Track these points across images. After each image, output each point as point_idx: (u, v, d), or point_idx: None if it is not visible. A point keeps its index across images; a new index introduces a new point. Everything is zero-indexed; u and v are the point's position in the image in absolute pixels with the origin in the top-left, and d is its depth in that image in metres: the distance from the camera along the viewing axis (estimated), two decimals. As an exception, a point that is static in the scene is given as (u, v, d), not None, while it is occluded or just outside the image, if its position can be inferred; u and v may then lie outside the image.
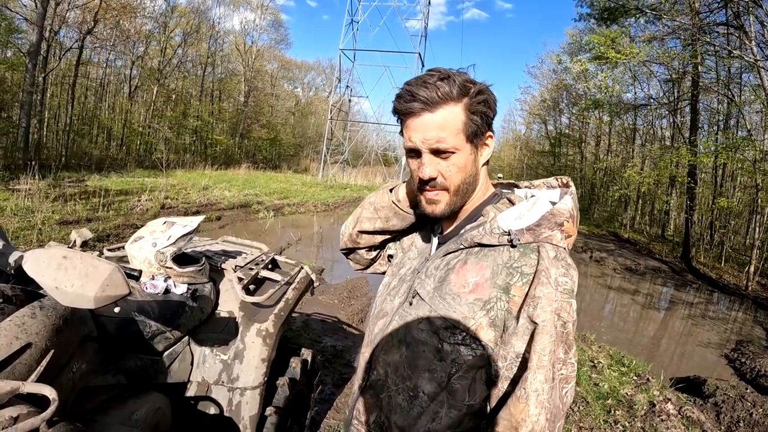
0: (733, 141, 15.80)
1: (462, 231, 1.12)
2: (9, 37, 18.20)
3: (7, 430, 0.93)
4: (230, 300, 2.35)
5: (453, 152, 1.03)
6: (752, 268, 12.49)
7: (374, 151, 37.00)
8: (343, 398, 3.73)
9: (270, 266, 2.88)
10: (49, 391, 1.00)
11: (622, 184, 23.78)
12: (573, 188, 1.11)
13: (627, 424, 3.98)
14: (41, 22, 16.89)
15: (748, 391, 4.95)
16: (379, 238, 1.37)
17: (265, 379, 2.22)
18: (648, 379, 4.92)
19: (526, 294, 0.95)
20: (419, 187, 1.10)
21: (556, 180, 1.17)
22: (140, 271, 1.69)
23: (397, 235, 1.38)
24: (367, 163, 36.45)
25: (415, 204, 1.23)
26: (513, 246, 0.99)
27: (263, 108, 40.28)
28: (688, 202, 16.81)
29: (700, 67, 16.81)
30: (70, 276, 1.19)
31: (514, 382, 0.94)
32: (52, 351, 1.25)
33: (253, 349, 2.19)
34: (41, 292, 1.33)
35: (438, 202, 1.09)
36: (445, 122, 1.01)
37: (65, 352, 1.37)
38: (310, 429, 2.97)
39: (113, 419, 1.62)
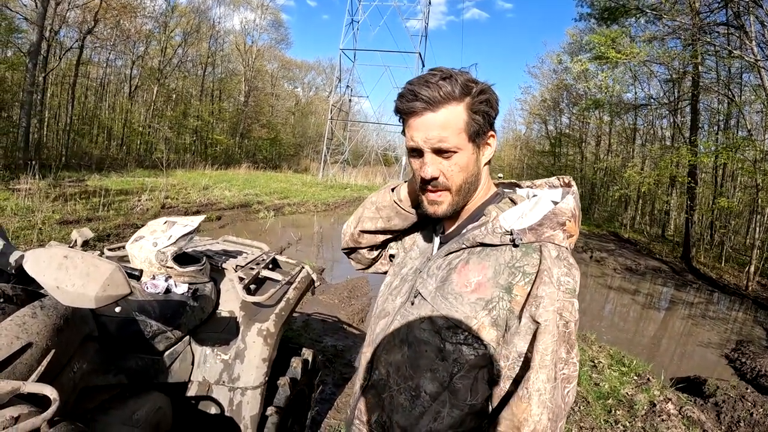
0: (733, 141, 15.79)
1: (464, 230, 1.12)
2: (9, 37, 18.20)
3: (8, 430, 0.93)
4: (231, 300, 2.34)
5: (455, 152, 1.03)
6: (752, 268, 12.49)
7: (374, 151, 36.99)
8: (343, 398, 3.73)
9: (271, 266, 2.88)
10: (50, 391, 1.00)
11: (622, 184, 23.81)
12: (575, 188, 1.11)
13: (627, 424, 3.98)
14: (41, 21, 16.90)
15: (749, 391, 4.95)
16: (381, 238, 1.37)
17: (266, 378, 2.21)
18: (648, 379, 4.92)
19: (529, 293, 0.95)
20: (421, 186, 1.10)
21: (558, 179, 1.17)
22: (141, 271, 1.69)
23: (398, 235, 1.38)
24: (368, 163, 36.43)
25: (416, 204, 1.23)
26: (515, 245, 0.99)
27: (263, 108, 40.27)
28: (689, 202, 16.81)
29: (700, 67, 16.81)
30: (71, 275, 1.19)
31: (516, 381, 0.93)
32: (52, 351, 1.24)
33: (254, 349, 2.18)
34: (42, 291, 1.33)
35: (441, 203, 1.09)
36: (447, 122, 1.01)
37: (66, 351, 1.36)
38: (310, 429, 2.97)
39: (114, 419, 1.62)
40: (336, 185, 26.04)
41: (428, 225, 1.31)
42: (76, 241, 1.84)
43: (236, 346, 2.19)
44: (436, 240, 1.22)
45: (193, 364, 2.11)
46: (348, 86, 34.27)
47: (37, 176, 11.73)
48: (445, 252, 1.11)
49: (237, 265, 2.57)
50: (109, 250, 2.44)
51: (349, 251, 1.46)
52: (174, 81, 31.07)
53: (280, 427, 2.33)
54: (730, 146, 15.10)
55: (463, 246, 1.06)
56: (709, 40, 15.33)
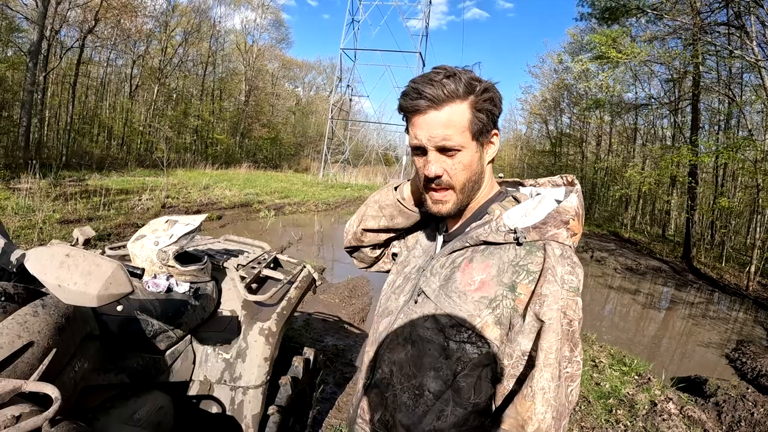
0: (734, 141, 15.75)
1: (467, 229, 1.12)
2: (10, 36, 18.23)
3: (9, 429, 0.92)
4: (232, 299, 2.34)
5: (459, 150, 1.03)
6: (753, 268, 12.46)
7: (375, 151, 36.98)
8: (345, 397, 3.72)
9: (272, 265, 2.87)
10: (51, 390, 0.99)
11: (623, 184, 23.77)
12: (578, 186, 1.10)
13: (628, 424, 3.98)
14: (42, 21, 16.91)
15: (750, 390, 4.95)
16: (384, 237, 1.36)
17: (268, 378, 2.21)
18: (649, 378, 4.91)
19: (533, 292, 0.94)
20: (425, 185, 1.09)
21: (561, 178, 1.17)
22: (143, 269, 1.68)
23: (401, 234, 1.37)
24: (368, 163, 36.42)
25: (420, 202, 1.23)
26: (519, 244, 0.99)
27: (264, 107, 40.29)
28: (689, 202, 16.79)
29: (701, 67, 16.78)
30: (72, 274, 1.18)
31: (520, 380, 0.94)
32: (54, 350, 1.24)
33: (255, 348, 2.18)
34: (43, 290, 1.32)
35: (445, 202, 1.09)
36: (450, 120, 1.01)
37: (67, 350, 1.36)
38: (312, 428, 2.97)
39: (115, 418, 1.61)
40: (336, 185, 26.05)
41: (431, 223, 1.30)
42: (77, 239, 1.83)
43: (238, 345, 2.19)
44: (440, 238, 1.22)
45: (194, 363, 2.11)
46: (348, 86, 34.28)
47: (37, 175, 11.73)
48: (448, 250, 1.10)
49: (238, 264, 2.56)
50: (111, 249, 2.44)
51: (352, 250, 1.45)
52: (174, 80, 31.11)
53: (282, 427, 2.33)
54: (730, 146, 15.06)
55: (467, 244, 1.06)
56: (709, 39, 15.31)
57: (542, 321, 0.92)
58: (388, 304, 1.23)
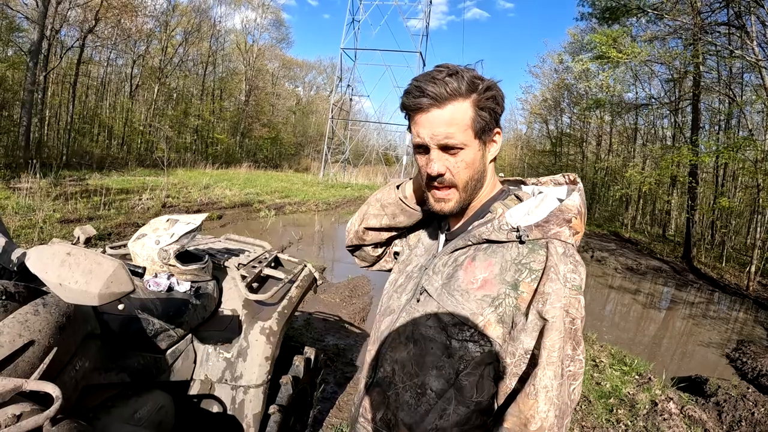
0: (734, 141, 15.74)
1: (470, 227, 1.11)
2: (10, 36, 18.23)
3: (10, 428, 0.92)
4: (233, 298, 2.34)
5: (461, 148, 1.03)
6: (753, 268, 12.45)
7: (375, 151, 36.98)
8: (345, 397, 3.72)
9: (273, 264, 2.87)
10: (52, 389, 0.99)
11: (623, 184, 23.75)
12: (580, 185, 1.10)
13: (629, 423, 3.97)
14: (42, 20, 16.90)
15: (750, 390, 4.94)
16: (386, 235, 1.36)
17: (269, 377, 2.21)
18: (650, 378, 4.91)
19: (535, 290, 0.94)
20: (427, 183, 1.09)
21: (564, 177, 1.17)
22: (144, 268, 1.68)
23: (403, 232, 1.37)
24: (368, 163, 36.42)
25: (422, 201, 1.22)
26: (521, 242, 0.99)
27: (264, 107, 40.28)
28: (690, 202, 16.78)
29: (701, 67, 16.78)
30: (74, 273, 1.18)
31: (523, 378, 0.93)
32: (54, 349, 1.24)
33: (256, 347, 2.18)
34: (44, 289, 1.32)
35: (448, 201, 1.09)
36: (453, 118, 1.00)
37: (68, 349, 1.36)
38: (312, 428, 2.97)
39: (116, 417, 1.61)
40: (337, 184, 26.04)
41: (433, 222, 1.30)
42: (78, 238, 1.83)
43: (239, 345, 2.18)
44: (442, 237, 1.22)
45: (195, 362, 2.11)
46: (349, 85, 34.30)
47: (38, 175, 11.74)
48: (450, 249, 1.10)
49: (239, 264, 2.56)
50: (111, 248, 2.44)
51: (354, 249, 1.45)
52: (175, 80, 31.12)
53: (283, 426, 2.33)
54: (731, 146, 15.05)
55: (469, 243, 1.06)
56: (710, 39, 15.30)
57: (545, 319, 0.91)
58: (390, 302, 1.22)
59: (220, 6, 35.19)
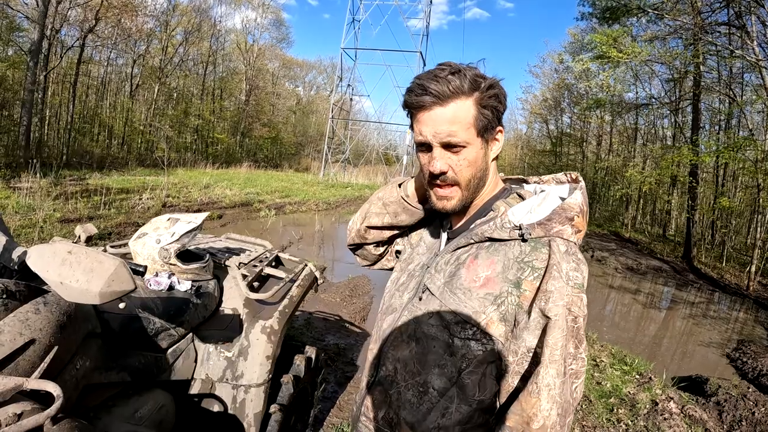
0: (734, 141, 15.73)
1: (472, 226, 1.11)
2: (10, 36, 18.22)
3: (11, 427, 0.92)
4: (234, 297, 2.34)
5: (464, 146, 1.02)
6: (753, 268, 12.46)
7: (375, 150, 36.99)
8: (346, 396, 3.72)
9: (274, 263, 2.87)
10: (53, 388, 0.99)
11: (623, 184, 23.76)
12: (582, 183, 1.10)
13: (630, 423, 3.97)
14: (42, 20, 16.89)
15: (750, 390, 4.94)
16: (387, 234, 1.36)
17: (270, 376, 2.21)
18: (650, 378, 4.91)
19: (538, 288, 0.94)
20: (429, 181, 1.09)
21: (566, 175, 1.16)
22: (145, 267, 1.68)
23: (405, 231, 1.37)
24: (369, 162, 36.44)
25: (424, 199, 1.22)
26: (524, 240, 0.99)
27: (264, 107, 40.27)
28: (690, 202, 16.78)
29: (701, 67, 16.78)
30: (75, 271, 1.18)
31: (525, 377, 0.93)
32: (55, 347, 1.23)
33: (257, 347, 2.18)
34: (45, 287, 1.32)
35: (450, 199, 1.08)
36: (456, 116, 1.00)
37: (69, 348, 1.35)
38: (313, 427, 2.96)
39: (117, 417, 1.61)
40: (337, 184, 26.04)
41: (435, 220, 1.30)
42: (79, 236, 1.83)
43: (240, 344, 2.18)
44: (444, 235, 1.21)
45: (196, 361, 2.10)
46: (349, 85, 34.30)
47: (38, 175, 11.74)
48: (453, 247, 1.10)
49: (240, 263, 2.56)
50: (112, 247, 2.43)
51: (355, 247, 1.45)
52: (175, 80, 31.12)
53: (284, 425, 2.32)
54: (731, 146, 15.04)
55: (472, 241, 1.06)
56: (710, 39, 15.30)
57: (548, 317, 0.91)
58: (392, 301, 1.22)
59: (220, 6, 35.23)
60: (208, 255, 2.34)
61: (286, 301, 2.41)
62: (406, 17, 31.68)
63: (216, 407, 2.13)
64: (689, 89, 19.09)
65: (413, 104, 1.03)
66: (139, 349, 1.79)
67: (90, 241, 1.82)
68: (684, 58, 17.28)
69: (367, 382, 1.19)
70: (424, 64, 29.15)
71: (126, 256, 2.27)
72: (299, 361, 2.60)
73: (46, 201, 9.40)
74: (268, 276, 2.68)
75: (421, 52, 29.24)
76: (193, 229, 2.16)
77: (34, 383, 1.00)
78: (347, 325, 5.38)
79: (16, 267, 1.44)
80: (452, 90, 0.99)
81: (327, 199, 18.47)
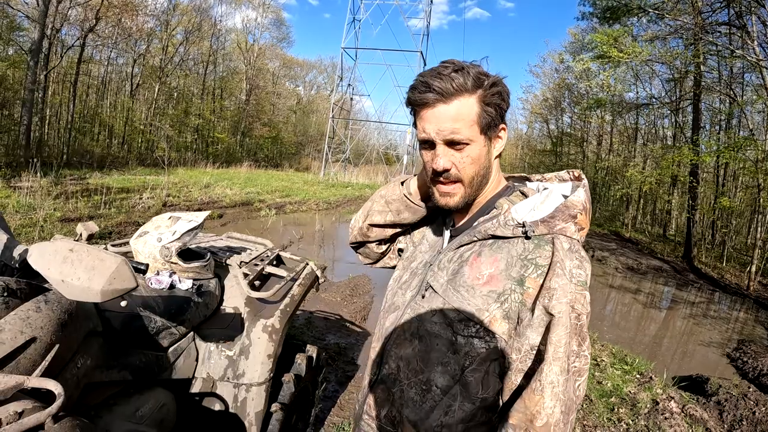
0: (735, 141, 15.72)
1: (475, 223, 1.11)
2: (11, 35, 18.22)
3: (12, 426, 0.91)
4: (235, 296, 2.33)
5: (467, 144, 1.02)
6: (754, 268, 12.46)
7: (376, 150, 36.99)
8: (347, 395, 3.72)
9: (275, 262, 2.87)
10: (54, 386, 0.98)
11: (623, 184, 23.76)
12: (585, 181, 1.10)
13: (630, 422, 3.97)
14: (43, 19, 16.89)
15: (751, 389, 4.94)
16: (390, 232, 1.36)
17: (271, 375, 2.20)
18: (651, 377, 4.90)
19: (541, 285, 0.94)
20: (432, 178, 1.09)
21: (568, 173, 1.16)
22: (146, 265, 1.67)
23: (407, 229, 1.37)
24: (369, 162, 36.46)
25: (426, 197, 1.22)
26: (527, 238, 0.99)
27: (265, 106, 40.28)
28: (690, 202, 16.78)
29: (702, 67, 16.77)
30: (76, 269, 1.17)
31: (528, 374, 0.93)
32: (56, 346, 1.23)
33: (258, 345, 2.17)
34: (46, 286, 1.32)
35: (453, 195, 1.08)
36: (459, 113, 1.00)
37: (70, 347, 1.35)
38: (314, 426, 2.96)
39: (118, 415, 1.60)
40: (337, 184, 26.04)
41: (437, 218, 1.30)
42: (81, 234, 1.83)
43: (241, 343, 2.18)
44: (447, 233, 1.21)
45: (197, 360, 2.10)
46: (349, 85, 34.28)
47: (38, 174, 11.74)
48: (456, 245, 1.10)
49: (241, 261, 2.56)
50: (113, 246, 2.43)
51: (358, 245, 1.44)
52: (175, 79, 31.11)
53: (285, 424, 2.32)
54: (731, 146, 15.03)
55: (475, 238, 1.05)
56: (711, 39, 15.29)
57: (551, 314, 0.91)
58: (395, 299, 1.22)
59: (220, 5, 35.20)
60: (209, 254, 2.34)
61: (287, 300, 2.41)
62: (406, 17, 31.63)
63: (217, 406, 2.13)
64: (690, 89, 19.09)
65: (416, 101, 1.03)
66: (140, 347, 1.79)
67: (91, 239, 1.82)
68: (684, 58, 17.27)
69: (369, 381, 1.19)
70: (425, 64, 29.14)
71: (127, 255, 2.27)
72: (300, 360, 2.59)
73: (47, 200, 9.40)
74: (270, 275, 2.67)
75: (421, 52, 29.23)
76: (195, 228, 2.15)
77: (35, 381, 0.99)
78: (348, 324, 5.38)
79: (17, 265, 1.44)
80: (456, 87, 0.99)
81: (327, 198, 18.47)
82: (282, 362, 2.48)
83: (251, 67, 37.28)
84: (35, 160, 12.36)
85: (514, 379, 0.95)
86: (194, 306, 2.05)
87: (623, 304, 9.27)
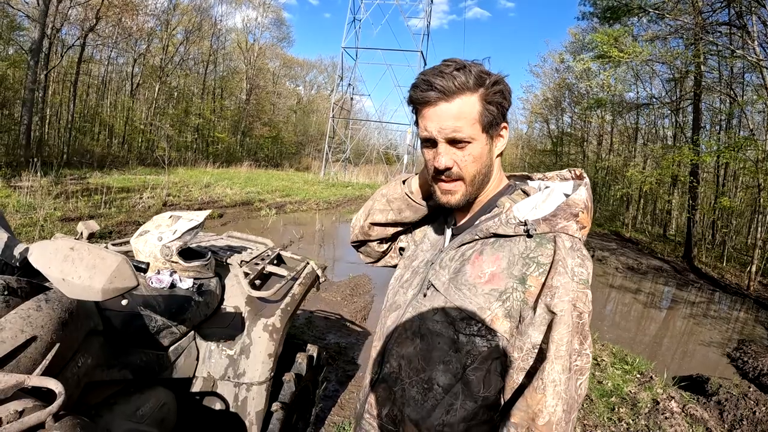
0: (735, 141, 15.72)
1: (477, 222, 1.11)
2: (11, 35, 18.22)
3: (13, 424, 0.91)
4: (236, 295, 2.33)
5: (469, 142, 1.02)
6: (754, 268, 12.45)
7: (376, 150, 36.98)
8: (347, 395, 3.72)
9: (275, 261, 2.87)
10: (54, 385, 0.98)
11: (624, 184, 23.76)
12: (587, 180, 1.10)
13: (631, 422, 3.97)
14: (43, 19, 16.89)
15: (751, 389, 4.94)
16: (391, 231, 1.35)
17: (272, 374, 2.20)
18: (651, 377, 4.90)
19: (543, 284, 0.94)
20: (434, 177, 1.09)
21: (570, 172, 1.16)
22: (147, 264, 1.67)
23: (408, 228, 1.37)
24: (369, 162, 36.44)
25: (428, 196, 1.22)
26: (529, 236, 0.99)
27: (265, 106, 40.27)
28: (690, 202, 16.77)
29: (702, 67, 16.76)
30: (77, 268, 1.17)
31: (530, 373, 0.93)
32: (57, 345, 1.23)
33: (259, 345, 2.17)
34: (47, 284, 1.31)
35: (454, 193, 1.08)
36: (461, 112, 1.00)
37: (71, 346, 1.35)
38: (314, 426, 2.96)
39: (118, 414, 1.60)
40: (337, 183, 26.04)
41: (439, 217, 1.30)
42: (81, 233, 1.82)
43: (241, 342, 2.18)
44: (448, 232, 1.21)
45: (198, 359, 2.10)
46: (350, 84, 34.26)
47: (38, 173, 11.73)
48: (457, 243, 1.10)
49: (242, 261, 2.56)
50: (113, 245, 2.43)
51: (359, 244, 1.44)
52: (176, 79, 31.11)
53: (285, 423, 2.32)
54: (732, 146, 15.02)
55: (477, 237, 1.05)
56: (711, 39, 15.28)
57: (553, 313, 0.91)
58: (396, 298, 1.22)
59: (221, 5, 35.19)
60: (209, 253, 2.34)
61: (288, 299, 2.41)
62: (406, 17, 31.61)
63: (218, 405, 2.13)
64: (690, 89, 19.08)
65: (418, 100, 1.03)
66: (140, 346, 1.79)
67: (92, 238, 1.82)
68: (685, 58, 17.27)
69: (370, 380, 1.19)
70: (425, 64, 29.12)
71: (128, 254, 2.26)
72: (301, 360, 2.59)
73: (47, 200, 9.40)
74: (270, 274, 2.67)
75: (422, 52, 29.23)
76: (195, 227, 2.15)
77: (36, 380, 0.99)
78: (348, 323, 5.38)
79: (17, 264, 1.44)
80: (457, 86, 0.99)
81: (327, 198, 18.47)
82: (282, 361, 2.48)
83: (251, 67, 37.28)
84: (35, 159, 12.36)
85: (516, 377, 0.94)
86: (195, 305, 2.05)
87: (623, 304, 9.27)
